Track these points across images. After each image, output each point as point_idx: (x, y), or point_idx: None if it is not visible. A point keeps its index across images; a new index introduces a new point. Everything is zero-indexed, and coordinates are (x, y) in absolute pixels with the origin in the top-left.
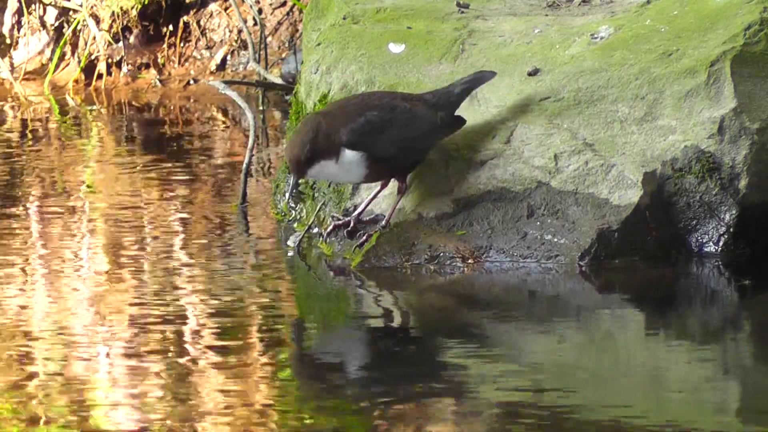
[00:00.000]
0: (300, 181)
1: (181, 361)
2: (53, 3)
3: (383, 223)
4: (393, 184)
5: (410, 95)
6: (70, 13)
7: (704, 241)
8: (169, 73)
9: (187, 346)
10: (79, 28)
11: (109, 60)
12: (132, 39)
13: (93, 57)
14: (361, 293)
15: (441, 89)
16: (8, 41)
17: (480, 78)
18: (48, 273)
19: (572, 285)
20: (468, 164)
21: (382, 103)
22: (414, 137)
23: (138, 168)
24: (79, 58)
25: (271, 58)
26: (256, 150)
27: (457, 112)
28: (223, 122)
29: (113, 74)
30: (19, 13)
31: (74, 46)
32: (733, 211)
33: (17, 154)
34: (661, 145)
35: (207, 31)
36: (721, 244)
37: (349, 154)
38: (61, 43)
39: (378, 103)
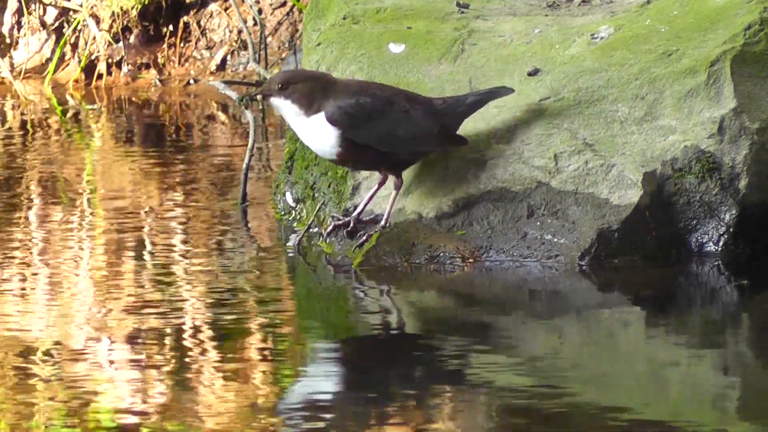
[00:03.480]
0: (258, 97)
1: (181, 359)
2: (53, 3)
3: (383, 222)
4: (390, 181)
5: (417, 97)
6: (70, 13)
7: (704, 240)
8: (169, 73)
9: (186, 344)
10: (79, 28)
11: (110, 60)
12: (132, 39)
13: (93, 57)
14: (361, 293)
15: (453, 96)
16: (8, 41)
17: (495, 93)
18: (48, 271)
19: (572, 285)
20: (468, 164)
21: (382, 94)
22: (400, 137)
23: (138, 167)
24: (79, 58)
25: (271, 58)
26: (256, 149)
27: None
28: (223, 122)
29: (113, 74)
30: (19, 13)
31: (74, 46)
32: (733, 211)
33: (17, 153)
34: (661, 145)
35: (207, 31)
36: (721, 243)
37: (327, 126)
38: (61, 43)
39: (379, 93)
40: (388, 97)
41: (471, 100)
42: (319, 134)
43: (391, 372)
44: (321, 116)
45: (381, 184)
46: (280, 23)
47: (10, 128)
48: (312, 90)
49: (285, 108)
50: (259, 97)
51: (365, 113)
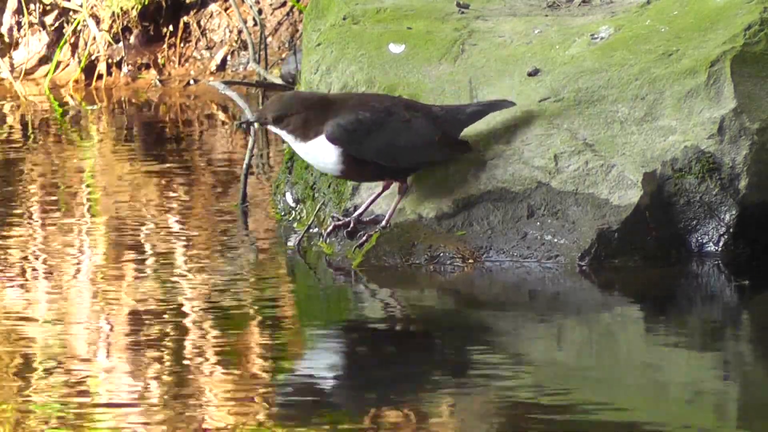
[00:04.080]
0: (255, 125)
1: (181, 360)
2: (53, 3)
3: (383, 223)
4: (394, 185)
5: (416, 104)
6: (70, 13)
7: (704, 241)
8: (169, 74)
9: (186, 345)
10: (79, 28)
11: (110, 60)
12: (132, 39)
13: (93, 57)
14: (361, 293)
15: (453, 105)
16: (8, 41)
17: (496, 105)
18: (48, 272)
19: (572, 285)
20: (468, 164)
21: (381, 106)
22: (401, 147)
23: (138, 167)
24: (79, 58)
25: (271, 58)
26: (256, 150)
27: None
28: (223, 122)
29: (113, 74)
30: (19, 13)
31: (74, 46)
32: (733, 211)
33: (17, 154)
34: (661, 146)
35: (207, 31)
36: (721, 244)
37: (327, 145)
38: (61, 43)
39: (376, 105)
40: (387, 108)
41: (471, 110)
42: (320, 154)
43: (391, 372)
44: (321, 138)
45: (385, 188)
46: (280, 23)
47: (9, 129)
48: (307, 119)
49: (282, 136)
50: (256, 124)
51: (364, 128)
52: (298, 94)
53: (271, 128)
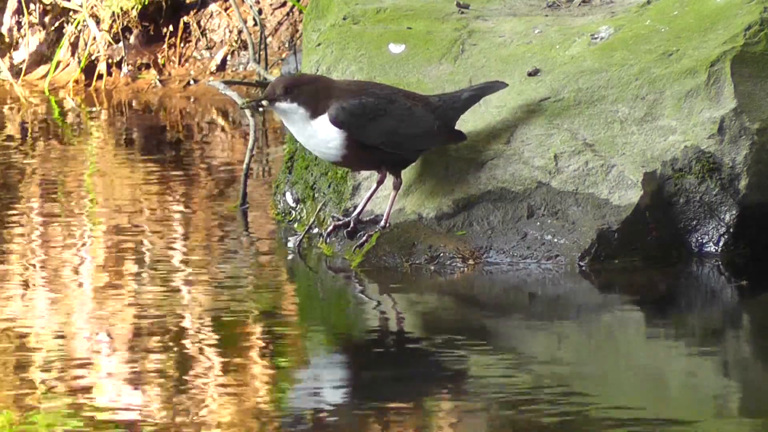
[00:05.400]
0: (264, 103)
1: (181, 361)
2: (53, 3)
3: (383, 222)
4: (388, 181)
5: (414, 95)
6: (70, 13)
7: (704, 241)
8: (170, 74)
9: (187, 346)
10: (79, 28)
11: (110, 60)
12: (132, 39)
13: (93, 57)
14: (361, 294)
15: (448, 93)
16: (8, 41)
17: (490, 87)
18: (48, 274)
19: (572, 285)
20: (468, 164)
21: (383, 93)
22: (404, 134)
23: (138, 169)
24: (79, 58)
25: (271, 58)
26: (256, 151)
27: (463, 115)
28: (223, 123)
29: (113, 74)
30: (19, 13)
31: (74, 46)
32: (733, 212)
33: (17, 155)
34: (661, 146)
35: (207, 31)
36: (721, 244)
37: (331, 128)
38: (61, 43)
39: (378, 92)
40: (388, 96)
41: (466, 95)
42: (323, 137)
43: (392, 373)
44: (324, 119)
45: (380, 183)
46: (280, 23)
47: (9, 130)
48: (317, 92)
49: (291, 111)
50: (265, 102)
51: (368, 113)
52: (300, 73)
53: (281, 105)
